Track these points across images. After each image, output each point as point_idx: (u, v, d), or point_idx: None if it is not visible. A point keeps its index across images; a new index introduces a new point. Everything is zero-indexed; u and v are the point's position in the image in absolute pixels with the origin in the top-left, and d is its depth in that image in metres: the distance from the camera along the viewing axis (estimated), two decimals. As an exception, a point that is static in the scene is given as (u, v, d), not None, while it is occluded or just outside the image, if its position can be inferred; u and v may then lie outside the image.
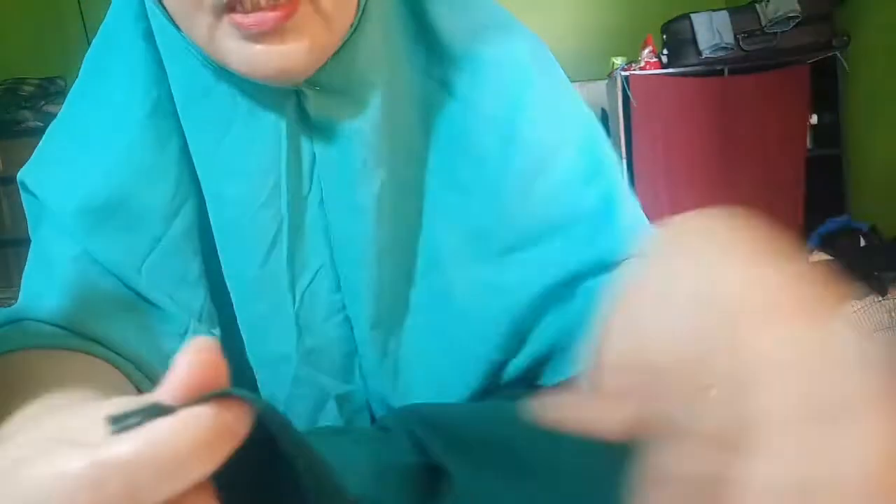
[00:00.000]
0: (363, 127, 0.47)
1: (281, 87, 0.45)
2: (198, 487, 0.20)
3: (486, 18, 0.53)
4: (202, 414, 0.20)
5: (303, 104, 0.46)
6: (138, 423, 0.19)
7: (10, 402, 0.23)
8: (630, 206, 0.53)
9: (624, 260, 0.50)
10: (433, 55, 0.51)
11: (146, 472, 0.19)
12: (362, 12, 0.45)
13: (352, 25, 0.44)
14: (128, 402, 0.21)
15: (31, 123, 2.92)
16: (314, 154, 0.48)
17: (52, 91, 3.03)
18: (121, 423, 0.20)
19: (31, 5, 3.32)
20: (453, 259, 0.51)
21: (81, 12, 3.18)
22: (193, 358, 0.20)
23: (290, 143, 0.47)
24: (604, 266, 0.50)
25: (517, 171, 0.50)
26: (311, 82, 0.45)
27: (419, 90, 0.51)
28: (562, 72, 0.55)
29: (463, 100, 0.51)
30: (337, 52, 0.44)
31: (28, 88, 2.97)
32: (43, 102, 2.97)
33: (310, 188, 0.49)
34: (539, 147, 0.51)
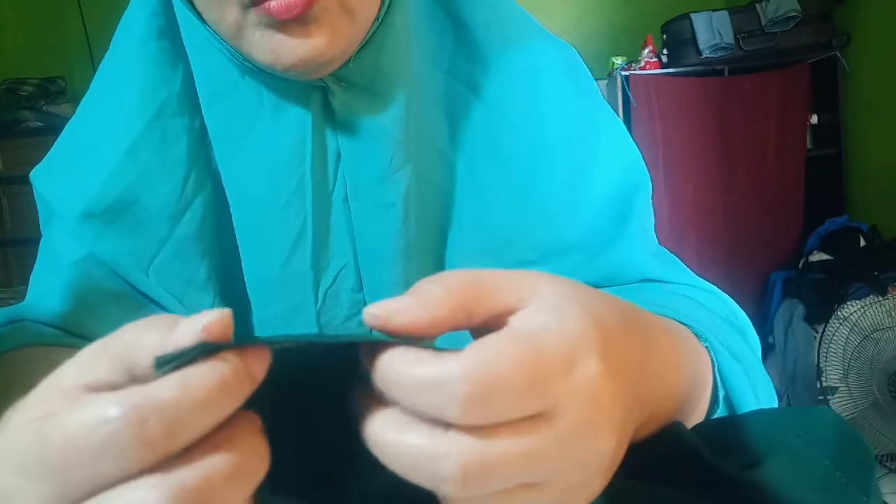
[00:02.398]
0: (389, 124, 0.46)
1: (306, 82, 0.44)
2: (243, 418, 0.22)
3: (521, 25, 0.52)
4: (229, 358, 0.21)
5: (328, 100, 0.46)
6: (182, 363, 0.21)
7: (7, 396, 0.23)
8: (647, 226, 0.53)
9: (635, 281, 0.50)
10: (460, 53, 0.51)
11: (183, 411, 0.20)
12: (388, 6, 0.44)
13: (377, 18, 0.44)
14: (164, 345, 0.22)
15: (31, 123, 2.90)
16: (339, 151, 0.48)
17: (52, 91, 3.02)
18: (165, 364, 0.21)
19: (31, 5, 3.32)
20: (476, 265, 0.51)
21: (81, 12, 3.17)
22: (204, 318, 0.22)
23: (314, 139, 0.46)
24: (610, 281, 0.50)
25: (543, 187, 0.50)
26: (337, 77, 0.45)
27: (442, 89, 0.50)
28: (595, 84, 0.54)
29: (492, 106, 0.50)
30: (362, 47, 0.44)
31: (28, 88, 2.96)
32: (43, 102, 2.96)
33: (334, 185, 0.48)
34: (567, 164, 0.50)
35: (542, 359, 0.22)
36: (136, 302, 0.48)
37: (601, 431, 0.24)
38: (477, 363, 0.22)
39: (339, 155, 0.48)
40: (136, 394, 0.20)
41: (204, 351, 0.21)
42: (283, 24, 0.39)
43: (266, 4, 0.38)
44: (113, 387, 0.22)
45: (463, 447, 0.21)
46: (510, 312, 0.25)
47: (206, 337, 0.21)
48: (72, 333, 0.46)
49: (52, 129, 2.80)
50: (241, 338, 0.22)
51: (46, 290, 0.49)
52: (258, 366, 0.22)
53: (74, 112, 0.53)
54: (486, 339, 0.23)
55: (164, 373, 0.21)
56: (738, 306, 0.49)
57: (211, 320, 0.22)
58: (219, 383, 0.21)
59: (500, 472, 0.22)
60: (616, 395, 0.24)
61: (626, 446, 0.27)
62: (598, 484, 0.25)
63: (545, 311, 0.24)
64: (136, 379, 0.22)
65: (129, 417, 0.19)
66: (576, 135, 0.51)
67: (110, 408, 0.20)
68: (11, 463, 0.20)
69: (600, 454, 0.24)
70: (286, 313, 0.50)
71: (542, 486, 0.23)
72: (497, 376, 0.21)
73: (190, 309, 0.49)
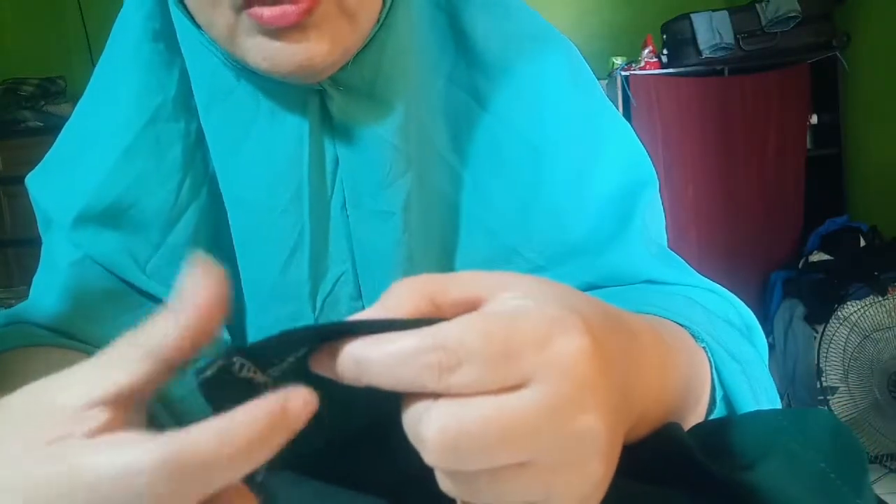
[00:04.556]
0: (388, 130, 0.45)
1: (304, 87, 0.44)
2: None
3: (523, 27, 0.51)
4: (270, 403, 0.21)
5: (326, 105, 0.45)
6: (218, 373, 0.21)
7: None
8: (653, 225, 0.52)
9: (636, 282, 0.49)
10: (461, 61, 0.50)
11: (221, 463, 0.20)
12: (388, 9, 0.43)
13: (377, 22, 0.43)
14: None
15: (31, 123, 2.91)
16: (337, 157, 0.47)
17: (52, 91, 3.02)
18: (201, 373, 0.21)
19: (31, 5, 3.32)
20: None
21: (81, 12, 3.17)
22: (199, 281, 0.22)
23: (312, 144, 0.45)
24: (612, 280, 0.50)
25: (547, 192, 0.50)
26: (335, 81, 0.44)
27: (443, 96, 0.50)
28: (597, 83, 0.54)
29: (494, 114, 0.50)
30: (361, 51, 0.43)
31: (28, 88, 2.97)
32: (43, 102, 2.97)
33: (332, 192, 0.48)
34: (570, 167, 0.50)
35: (516, 331, 0.23)
36: (134, 301, 0.48)
37: (585, 406, 0.23)
38: (449, 333, 0.23)
39: (337, 161, 0.47)
40: (176, 443, 0.20)
41: (232, 354, 0.22)
42: (280, 30, 0.38)
43: (258, 11, 0.37)
44: (124, 398, 0.22)
45: (440, 409, 0.22)
46: (482, 304, 0.25)
47: (204, 306, 0.22)
48: (68, 335, 0.46)
49: (52, 129, 2.79)
50: (252, 344, 0.23)
51: (44, 291, 0.49)
52: (300, 413, 0.22)
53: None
54: (462, 315, 0.24)
55: (202, 389, 0.21)
56: (743, 305, 0.49)
57: (207, 296, 0.22)
58: (258, 435, 0.20)
59: (478, 437, 0.22)
60: (602, 374, 0.24)
61: (621, 436, 0.26)
62: (595, 470, 0.24)
63: (521, 298, 0.25)
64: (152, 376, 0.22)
65: (169, 469, 0.19)
66: (578, 137, 0.50)
67: (148, 456, 0.19)
68: (21, 487, 0.20)
69: (588, 431, 0.23)
70: (283, 321, 0.49)
71: (530, 466, 0.23)
72: (468, 345, 0.22)
73: None
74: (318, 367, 0.24)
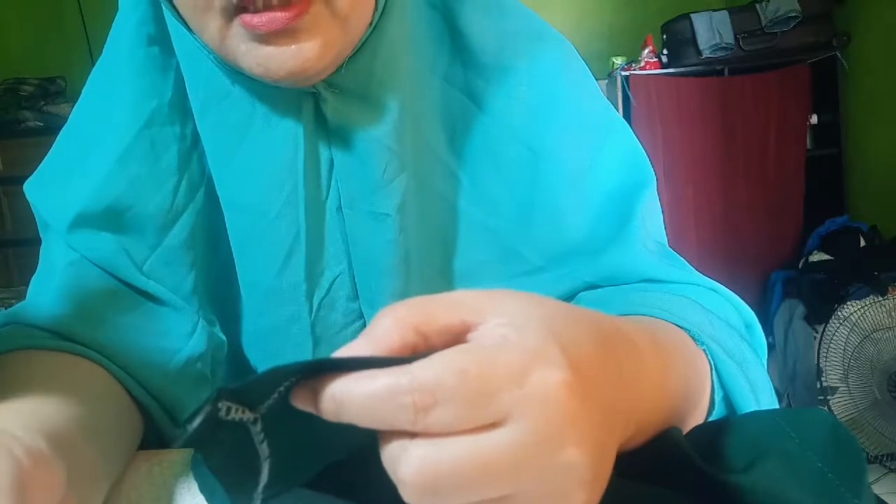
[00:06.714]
0: (383, 132, 0.45)
1: (298, 90, 0.44)
2: None
3: (519, 26, 0.51)
4: None
5: (320, 107, 0.45)
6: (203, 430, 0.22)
7: None
8: (652, 225, 0.52)
9: (636, 281, 0.49)
10: (457, 61, 0.50)
11: None
12: (382, 12, 0.43)
13: (370, 25, 0.43)
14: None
15: (31, 123, 2.91)
16: (332, 159, 0.47)
17: (52, 91, 3.02)
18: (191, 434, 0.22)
19: (31, 5, 3.32)
20: (488, 277, 0.51)
21: (81, 12, 3.17)
22: None
23: (307, 147, 0.46)
24: (611, 280, 0.50)
25: (546, 193, 0.50)
26: (329, 84, 0.44)
27: (440, 97, 0.50)
28: (593, 79, 0.53)
29: (491, 114, 0.50)
30: (354, 53, 0.43)
31: (28, 88, 2.97)
32: (43, 102, 2.97)
33: (327, 194, 0.48)
34: (569, 168, 0.50)
35: (493, 369, 0.23)
36: (132, 301, 0.48)
37: (565, 441, 0.23)
38: (425, 373, 0.22)
39: (332, 163, 0.47)
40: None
41: (218, 399, 0.22)
42: (270, 34, 0.38)
43: (248, 18, 0.37)
44: None
45: (417, 450, 0.22)
46: (469, 330, 0.25)
47: None
48: (65, 336, 0.46)
49: (52, 129, 2.80)
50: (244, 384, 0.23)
51: (41, 292, 0.49)
52: None
53: (74, 112, 0.52)
54: (440, 351, 0.23)
55: (190, 442, 0.22)
56: (743, 303, 0.49)
57: None
58: None
59: (455, 477, 0.22)
60: (583, 406, 0.24)
61: (608, 458, 0.26)
62: (577, 498, 0.24)
63: (505, 325, 0.25)
64: None
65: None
66: (577, 137, 0.50)
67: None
68: None
69: (568, 464, 0.23)
70: (281, 324, 0.49)
71: (511, 499, 0.23)
72: (444, 385, 0.22)
73: (181, 312, 0.49)
74: (300, 403, 0.24)
